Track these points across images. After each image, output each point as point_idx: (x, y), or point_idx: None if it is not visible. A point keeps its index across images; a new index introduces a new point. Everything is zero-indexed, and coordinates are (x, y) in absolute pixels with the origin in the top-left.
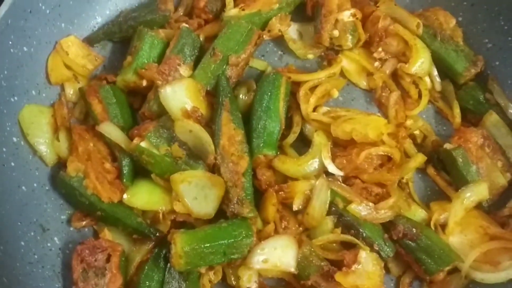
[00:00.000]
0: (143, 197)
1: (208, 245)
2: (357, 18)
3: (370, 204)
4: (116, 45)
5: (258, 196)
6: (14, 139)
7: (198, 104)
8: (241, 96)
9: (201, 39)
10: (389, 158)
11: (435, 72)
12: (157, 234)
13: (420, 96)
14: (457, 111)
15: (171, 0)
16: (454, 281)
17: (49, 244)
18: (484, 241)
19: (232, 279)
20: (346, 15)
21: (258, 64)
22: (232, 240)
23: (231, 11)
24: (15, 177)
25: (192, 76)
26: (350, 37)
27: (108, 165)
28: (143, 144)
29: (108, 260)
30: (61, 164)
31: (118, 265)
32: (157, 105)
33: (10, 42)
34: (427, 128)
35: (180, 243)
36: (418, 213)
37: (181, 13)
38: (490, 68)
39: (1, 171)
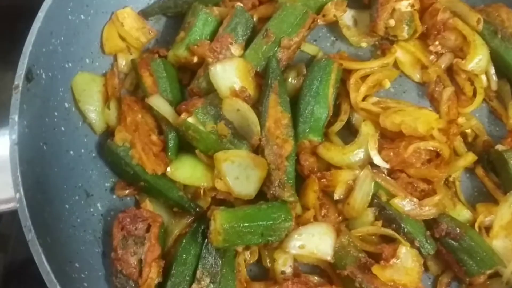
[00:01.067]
0: (186, 171)
1: (247, 224)
2: (415, 9)
3: (415, 199)
4: (170, 20)
5: (300, 182)
6: (66, 105)
7: (247, 84)
8: (290, 79)
9: (254, 19)
10: (437, 155)
11: (492, 71)
12: (197, 209)
13: (474, 94)
14: None
15: None
16: (495, 285)
17: (91, 210)
18: None
19: (268, 261)
20: (404, 5)
21: (309, 48)
22: (271, 222)
23: None
24: (64, 141)
25: (243, 56)
26: (406, 27)
27: (154, 138)
28: (190, 119)
29: (148, 230)
30: (108, 133)
31: (157, 235)
32: (206, 82)
33: (69, 9)
34: (479, 127)
35: (220, 220)
36: (463, 213)
37: None
38: None
39: (52, 135)
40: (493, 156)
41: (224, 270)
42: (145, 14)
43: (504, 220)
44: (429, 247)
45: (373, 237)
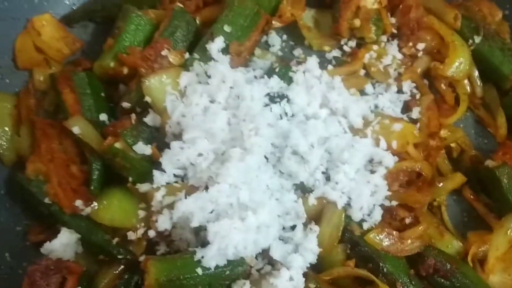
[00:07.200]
0: (114, 210)
1: (188, 276)
2: (382, 6)
3: (394, 232)
4: (99, 27)
5: None
6: None
7: None
8: None
9: (197, 22)
10: (418, 175)
11: (476, 74)
12: (128, 257)
13: (457, 101)
14: (502, 121)
15: None
16: None
17: None
18: None
19: None
20: (370, 2)
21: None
22: (220, 269)
23: None
24: None
25: (183, 65)
26: (374, 27)
27: (74, 168)
28: (117, 145)
29: (62, 284)
30: (20, 165)
31: None
32: (139, 97)
33: None
34: (465, 140)
35: (155, 272)
36: (452, 244)
37: None
38: None
39: None
40: (482, 174)
41: None
42: (68, 20)
43: (500, 250)
44: None
45: (347, 280)
